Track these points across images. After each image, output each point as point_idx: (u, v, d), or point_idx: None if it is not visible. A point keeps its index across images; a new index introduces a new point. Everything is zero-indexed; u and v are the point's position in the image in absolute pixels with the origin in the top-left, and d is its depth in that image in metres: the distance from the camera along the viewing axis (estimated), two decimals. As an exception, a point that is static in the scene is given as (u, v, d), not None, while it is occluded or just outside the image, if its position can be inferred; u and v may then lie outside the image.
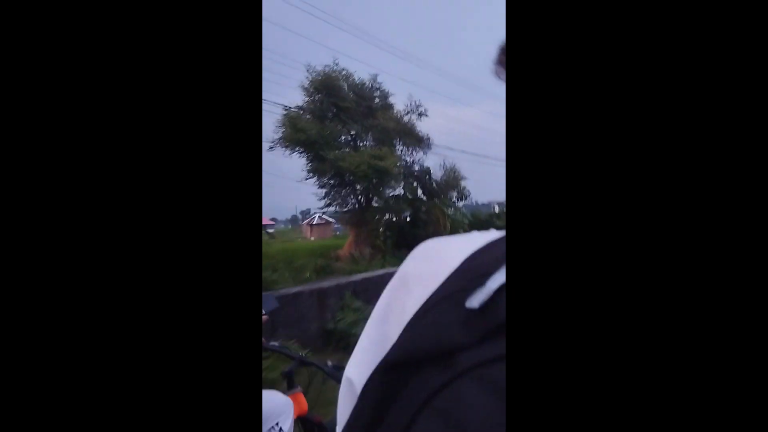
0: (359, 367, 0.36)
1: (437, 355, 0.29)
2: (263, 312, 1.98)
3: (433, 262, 0.38)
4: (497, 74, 0.40)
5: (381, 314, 0.39)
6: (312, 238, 28.62)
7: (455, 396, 0.26)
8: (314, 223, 37.45)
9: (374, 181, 12.97)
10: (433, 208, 14.36)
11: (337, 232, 29.23)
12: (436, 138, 15.63)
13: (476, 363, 0.27)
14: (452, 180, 14.91)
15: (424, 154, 15.16)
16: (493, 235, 0.38)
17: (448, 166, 15.01)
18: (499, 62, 0.40)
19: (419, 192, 14.92)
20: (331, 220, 33.87)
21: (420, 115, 14.95)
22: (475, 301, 0.29)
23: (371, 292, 6.21)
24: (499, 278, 0.30)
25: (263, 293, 2.23)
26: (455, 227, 13.71)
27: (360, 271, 8.77)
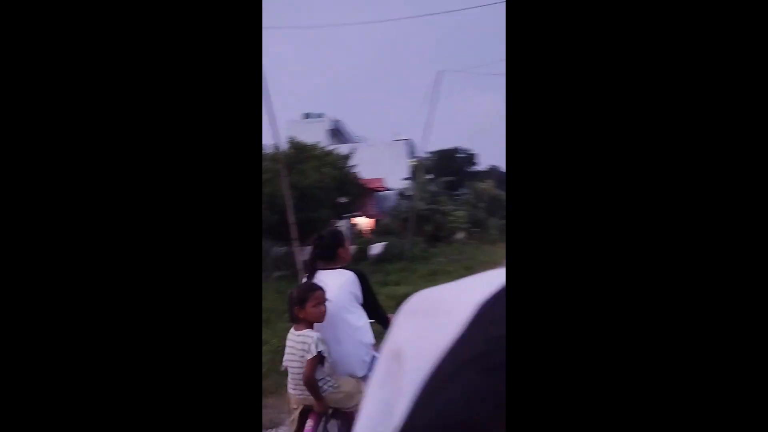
0: None
1: None
2: None
3: (435, 317, 0.32)
4: None
5: (381, 379, 0.32)
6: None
7: None
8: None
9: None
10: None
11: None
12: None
13: None
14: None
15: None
16: (494, 276, 0.31)
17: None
18: None
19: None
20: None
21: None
22: None
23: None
24: None
25: None
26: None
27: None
